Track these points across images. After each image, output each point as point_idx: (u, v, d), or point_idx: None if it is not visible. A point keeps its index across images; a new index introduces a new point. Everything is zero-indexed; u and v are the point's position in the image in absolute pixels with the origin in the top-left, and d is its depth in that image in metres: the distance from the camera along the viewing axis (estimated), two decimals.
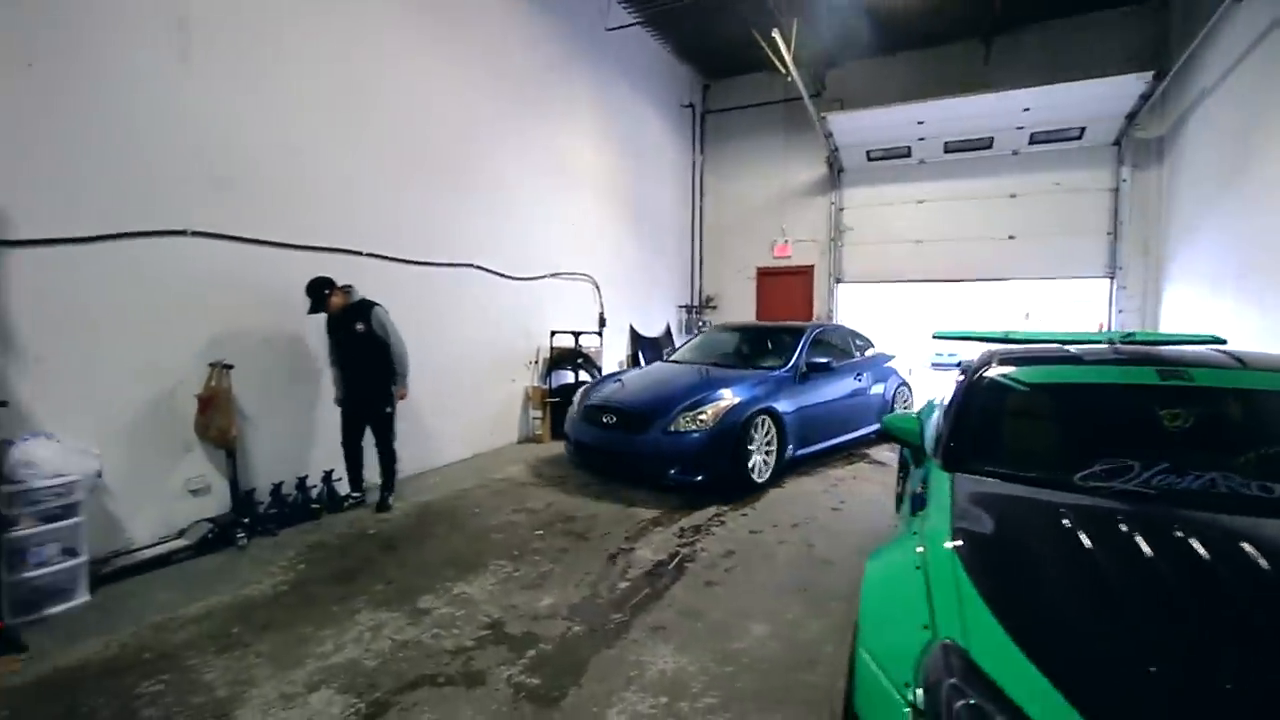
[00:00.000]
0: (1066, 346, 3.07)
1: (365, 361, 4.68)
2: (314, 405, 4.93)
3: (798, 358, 5.99)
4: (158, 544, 3.91)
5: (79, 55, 3.61)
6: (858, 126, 9.82)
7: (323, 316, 4.66)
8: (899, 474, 4.34)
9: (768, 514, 4.75)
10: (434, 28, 6.04)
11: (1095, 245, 9.45)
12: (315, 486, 4.71)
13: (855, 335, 7.50)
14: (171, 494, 4.08)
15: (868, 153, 10.50)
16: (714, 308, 12.02)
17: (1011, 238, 9.95)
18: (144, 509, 3.94)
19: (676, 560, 3.83)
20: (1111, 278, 9.39)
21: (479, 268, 6.64)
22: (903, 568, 1.79)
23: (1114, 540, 1.78)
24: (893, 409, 6.85)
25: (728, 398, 5.20)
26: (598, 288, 8.74)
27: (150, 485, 3.97)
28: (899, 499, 4.19)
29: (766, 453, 5.35)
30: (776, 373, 5.83)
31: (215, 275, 4.26)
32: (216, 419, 4.04)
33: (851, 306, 11.28)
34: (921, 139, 9.89)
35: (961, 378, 2.91)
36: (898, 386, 7.39)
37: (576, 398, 6.01)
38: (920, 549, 1.80)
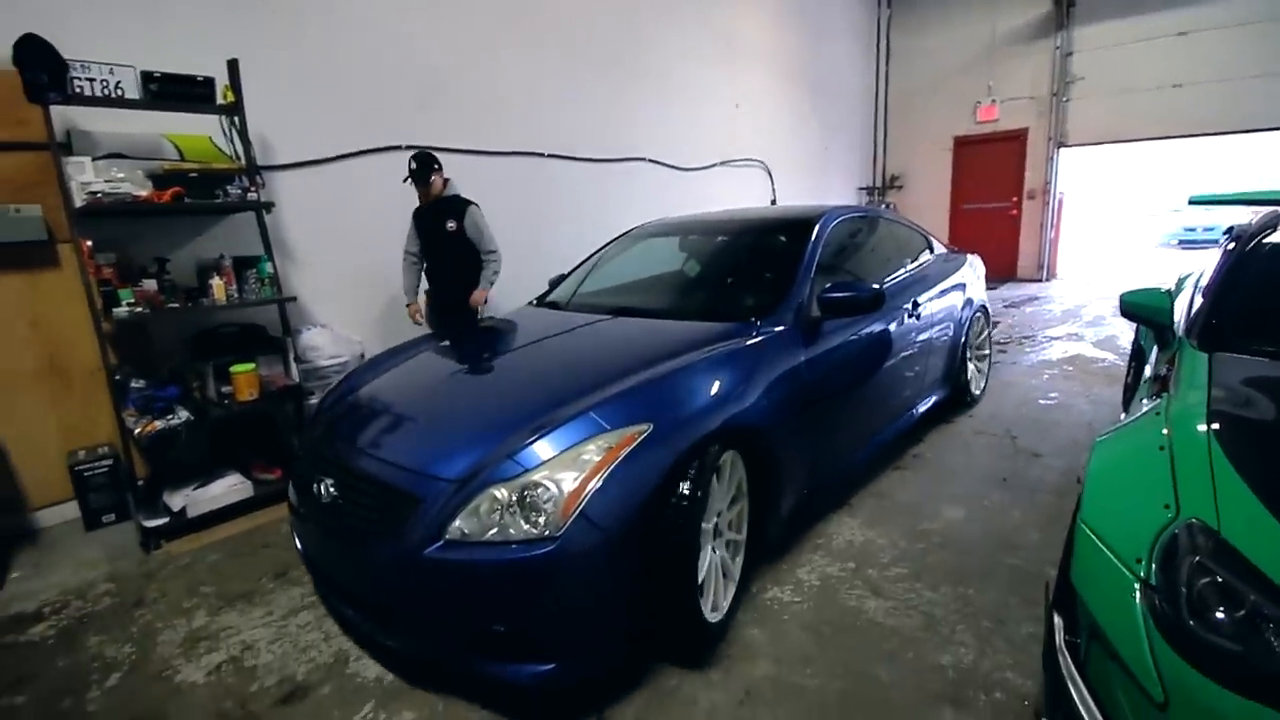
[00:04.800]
0: None
1: (452, 264, 4.10)
2: (507, 298, 5.46)
3: (800, 286, 2.76)
4: None
5: None
6: None
7: (410, 205, 4.15)
8: (1129, 364, 3.84)
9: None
10: None
11: None
12: None
13: (898, 222, 4.21)
14: None
15: None
16: (899, 188, 10.94)
17: None
18: None
19: None
20: None
21: (650, 160, 6.64)
22: (1141, 448, 1.63)
23: None
24: (964, 355, 4.12)
25: (624, 425, 1.90)
26: (769, 173, 8.34)
27: None
28: (1126, 391, 3.73)
29: (732, 541, 2.26)
30: (757, 329, 2.55)
31: None
32: None
33: (1073, 176, 9.59)
34: None
35: (1232, 245, 2.43)
36: (974, 313, 4.26)
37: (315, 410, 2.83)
38: (1166, 430, 1.62)
